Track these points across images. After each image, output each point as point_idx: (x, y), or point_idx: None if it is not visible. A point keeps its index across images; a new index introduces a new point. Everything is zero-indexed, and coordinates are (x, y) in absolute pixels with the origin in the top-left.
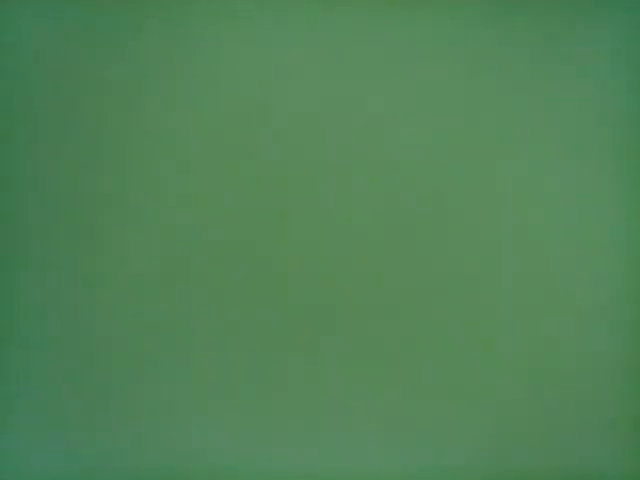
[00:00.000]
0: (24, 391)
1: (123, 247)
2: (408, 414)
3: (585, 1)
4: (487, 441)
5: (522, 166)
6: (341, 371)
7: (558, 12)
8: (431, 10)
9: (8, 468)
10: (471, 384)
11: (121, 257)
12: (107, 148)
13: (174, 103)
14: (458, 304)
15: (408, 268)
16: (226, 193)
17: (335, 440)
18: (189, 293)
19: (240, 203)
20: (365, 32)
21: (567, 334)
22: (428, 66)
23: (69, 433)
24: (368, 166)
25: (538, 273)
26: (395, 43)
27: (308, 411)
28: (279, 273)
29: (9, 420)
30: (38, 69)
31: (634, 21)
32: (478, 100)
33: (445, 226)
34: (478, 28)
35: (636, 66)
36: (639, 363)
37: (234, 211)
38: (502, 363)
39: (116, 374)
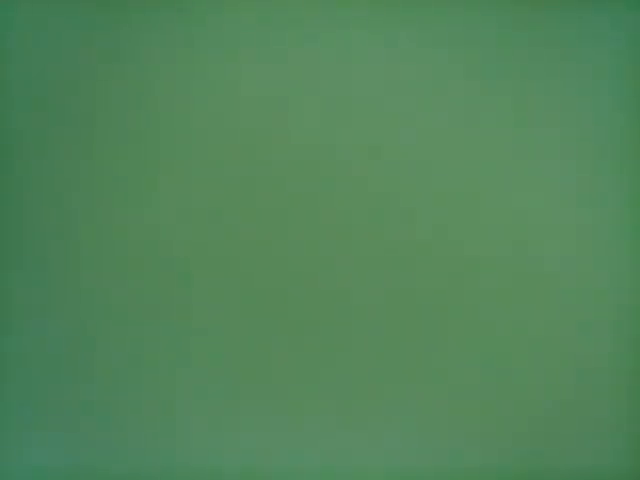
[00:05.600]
0: (23, 391)
1: (122, 254)
2: (411, 415)
3: (585, 1)
4: (488, 441)
5: (522, 165)
6: (346, 371)
7: (558, 12)
8: (432, 10)
9: (8, 468)
10: (472, 385)
11: (121, 263)
12: (106, 153)
13: (174, 108)
14: (463, 306)
15: (410, 269)
16: (226, 200)
17: (341, 440)
18: (189, 295)
19: (241, 210)
20: (366, 32)
21: (568, 335)
22: (428, 66)
23: (68, 433)
24: (369, 168)
25: (539, 274)
26: (395, 43)
27: (311, 411)
28: (279, 279)
29: (9, 420)
30: (37, 70)
31: (635, 20)
32: (478, 100)
33: (446, 226)
34: (478, 28)
35: (637, 66)
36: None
37: (234, 219)
38: (501, 364)
39: (116, 374)
